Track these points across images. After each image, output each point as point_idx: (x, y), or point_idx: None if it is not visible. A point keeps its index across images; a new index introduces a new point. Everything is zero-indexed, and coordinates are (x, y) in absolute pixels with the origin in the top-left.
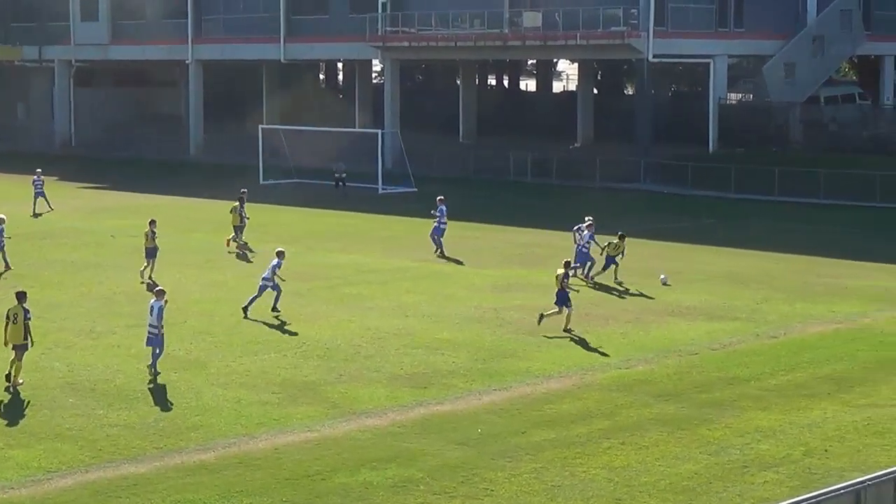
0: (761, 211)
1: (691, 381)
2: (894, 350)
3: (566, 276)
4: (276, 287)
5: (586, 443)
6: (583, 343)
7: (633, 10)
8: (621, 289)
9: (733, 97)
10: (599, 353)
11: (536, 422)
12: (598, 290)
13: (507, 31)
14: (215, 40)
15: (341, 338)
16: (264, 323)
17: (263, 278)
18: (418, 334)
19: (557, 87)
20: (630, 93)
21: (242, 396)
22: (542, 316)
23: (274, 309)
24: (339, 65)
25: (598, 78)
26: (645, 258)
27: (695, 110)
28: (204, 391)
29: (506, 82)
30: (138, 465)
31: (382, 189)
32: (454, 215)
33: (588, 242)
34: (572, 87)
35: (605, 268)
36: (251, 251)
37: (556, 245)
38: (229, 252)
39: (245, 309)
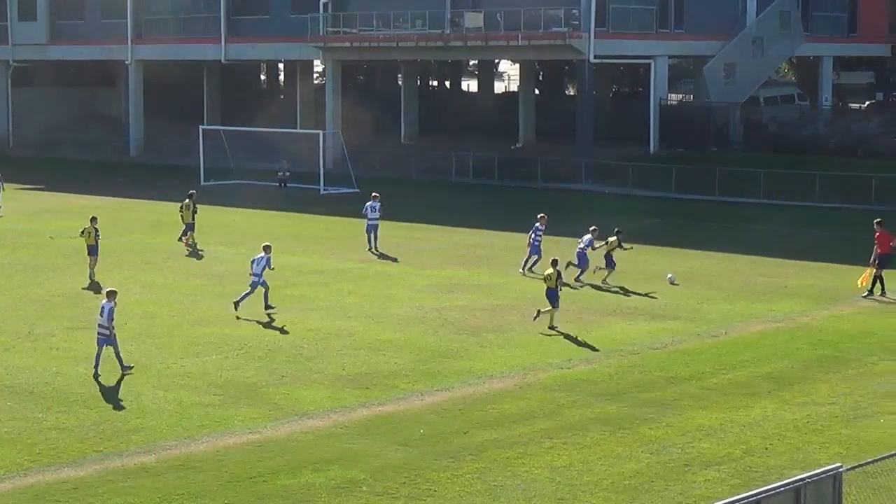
0: (702, 211)
1: (633, 380)
2: (833, 348)
3: (559, 275)
4: (264, 283)
5: (528, 443)
6: (525, 343)
7: (574, 11)
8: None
9: (674, 98)
10: (541, 353)
11: (479, 422)
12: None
13: (448, 31)
14: (156, 40)
15: (283, 339)
16: (250, 321)
17: (253, 274)
18: (360, 335)
19: (499, 87)
20: (571, 93)
21: (184, 398)
22: (539, 312)
23: (266, 307)
24: (281, 65)
25: (540, 78)
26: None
27: (636, 111)
28: (145, 393)
29: (448, 83)
30: (78, 469)
31: (324, 190)
32: (396, 216)
33: (587, 246)
34: (514, 87)
35: (609, 266)
36: (200, 250)
37: (498, 245)
38: (187, 248)
39: (236, 304)
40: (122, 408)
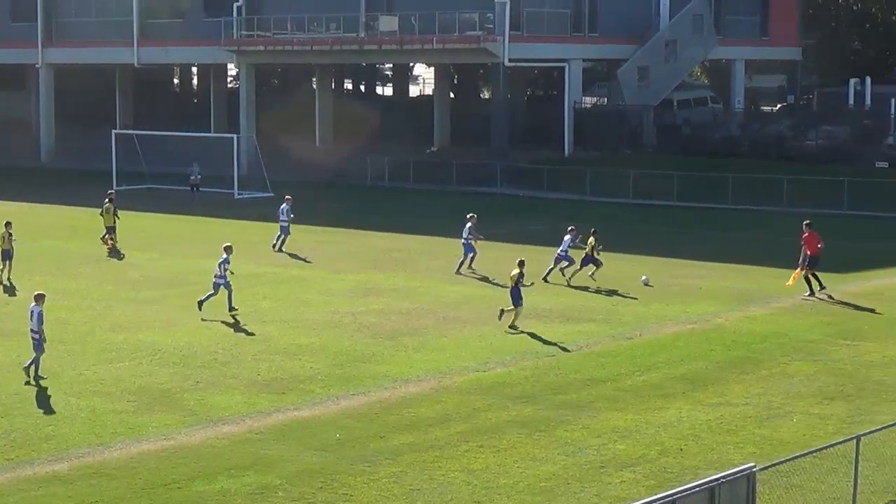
0: (617, 213)
1: (548, 382)
2: (746, 349)
3: (521, 275)
4: (227, 285)
5: (445, 446)
6: (441, 347)
7: (489, 15)
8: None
9: (588, 101)
10: (457, 356)
11: (395, 426)
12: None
13: (363, 35)
14: (67, 44)
15: (197, 344)
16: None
17: (216, 276)
18: (276, 340)
19: (414, 91)
20: (486, 97)
21: (97, 405)
22: (502, 311)
23: (231, 308)
24: (194, 69)
25: (455, 82)
26: (502, 261)
27: (551, 114)
28: (57, 401)
29: (363, 86)
30: None
31: (238, 194)
32: (311, 220)
33: (569, 247)
34: (429, 91)
35: (583, 265)
36: (122, 253)
37: (413, 249)
38: (108, 250)
39: (200, 303)
40: (33, 415)
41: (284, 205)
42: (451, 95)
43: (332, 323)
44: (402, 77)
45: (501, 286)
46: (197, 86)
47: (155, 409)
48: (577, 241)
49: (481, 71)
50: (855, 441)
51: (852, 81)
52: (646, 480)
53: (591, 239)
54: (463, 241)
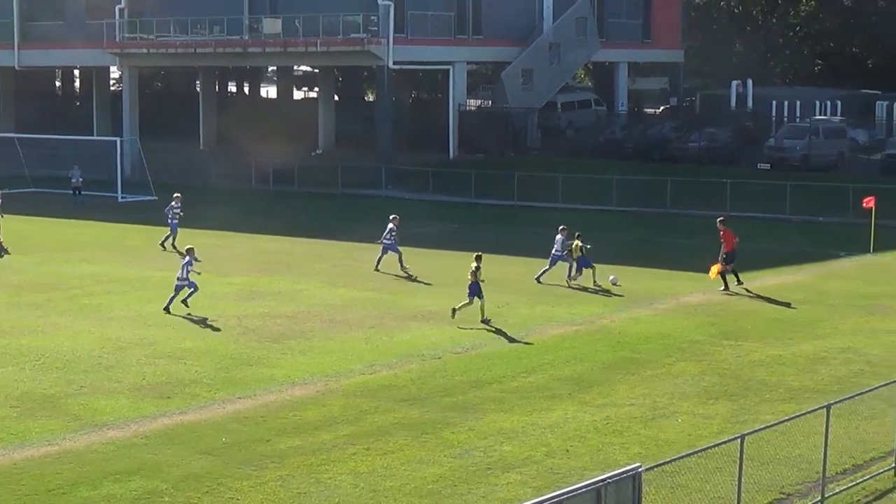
0: (502, 215)
1: (435, 385)
2: (631, 350)
3: (478, 268)
4: (191, 284)
5: (332, 449)
6: (327, 350)
7: (373, 17)
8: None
9: (473, 103)
10: (343, 359)
11: (281, 429)
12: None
13: (247, 37)
14: None
15: (81, 349)
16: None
17: (178, 278)
18: (161, 344)
19: (298, 94)
20: (371, 99)
21: None
22: (454, 310)
23: (184, 302)
24: (77, 72)
25: (340, 85)
26: (389, 263)
27: (435, 116)
28: None
29: (247, 89)
30: None
31: (122, 198)
32: (196, 223)
33: (563, 247)
34: (313, 93)
35: (580, 267)
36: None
37: (298, 252)
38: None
39: (166, 309)
40: None
41: (173, 202)
42: (336, 98)
43: (218, 326)
44: (287, 79)
45: (393, 289)
46: (80, 89)
47: (38, 414)
48: (568, 244)
49: (366, 73)
50: (739, 440)
51: (734, 84)
52: (532, 482)
53: (577, 242)
54: (384, 242)
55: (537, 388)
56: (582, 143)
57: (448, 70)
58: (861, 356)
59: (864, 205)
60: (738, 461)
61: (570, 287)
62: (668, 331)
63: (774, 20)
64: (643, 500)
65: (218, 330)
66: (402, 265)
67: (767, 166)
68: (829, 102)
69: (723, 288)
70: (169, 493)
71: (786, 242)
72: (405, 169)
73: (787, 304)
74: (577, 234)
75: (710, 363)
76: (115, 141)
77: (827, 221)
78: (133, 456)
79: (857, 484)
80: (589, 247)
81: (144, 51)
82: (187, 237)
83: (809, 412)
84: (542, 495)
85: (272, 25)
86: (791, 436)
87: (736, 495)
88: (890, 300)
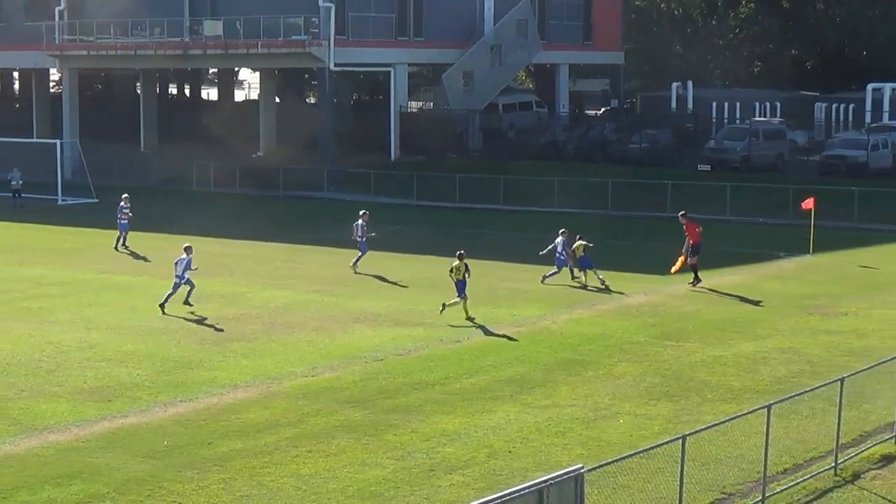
0: (444, 217)
1: (377, 386)
2: (573, 351)
3: (464, 267)
4: (188, 282)
5: (274, 451)
6: (269, 352)
7: (314, 19)
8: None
9: (414, 105)
10: (285, 361)
11: (223, 432)
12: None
13: (187, 39)
14: None
15: (21, 353)
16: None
17: (177, 276)
18: (101, 347)
19: (240, 95)
20: (313, 101)
21: None
22: (444, 305)
23: (187, 302)
24: (16, 73)
25: (281, 87)
26: (332, 265)
27: (377, 119)
28: None
29: (188, 91)
30: None
31: (62, 200)
32: (137, 226)
33: (563, 250)
34: (255, 95)
35: (584, 268)
36: None
37: (240, 255)
38: None
39: (162, 306)
40: None
41: (122, 203)
42: (277, 100)
43: (159, 329)
44: (227, 81)
45: (339, 291)
46: (19, 91)
47: None
48: (567, 247)
49: (307, 75)
50: (681, 441)
51: (674, 85)
52: (475, 483)
53: (579, 243)
54: (357, 239)
55: (479, 390)
56: (523, 145)
57: (389, 72)
58: (801, 356)
59: (803, 207)
60: (679, 461)
61: (583, 286)
62: (609, 332)
63: (714, 22)
64: (585, 500)
65: (159, 333)
66: (355, 263)
67: (708, 167)
68: (768, 104)
69: (692, 281)
70: (110, 496)
71: (726, 243)
72: (347, 171)
73: (728, 305)
74: (578, 236)
75: (651, 364)
76: (55, 143)
77: (767, 222)
78: (74, 460)
79: (798, 483)
80: (591, 245)
81: (84, 52)
82: (130, 238)
83: (750, 412)
84: (484, 497)
85: (213, 27)
86: (732, 436)
87: (678, 495)
88: (829, 300)
